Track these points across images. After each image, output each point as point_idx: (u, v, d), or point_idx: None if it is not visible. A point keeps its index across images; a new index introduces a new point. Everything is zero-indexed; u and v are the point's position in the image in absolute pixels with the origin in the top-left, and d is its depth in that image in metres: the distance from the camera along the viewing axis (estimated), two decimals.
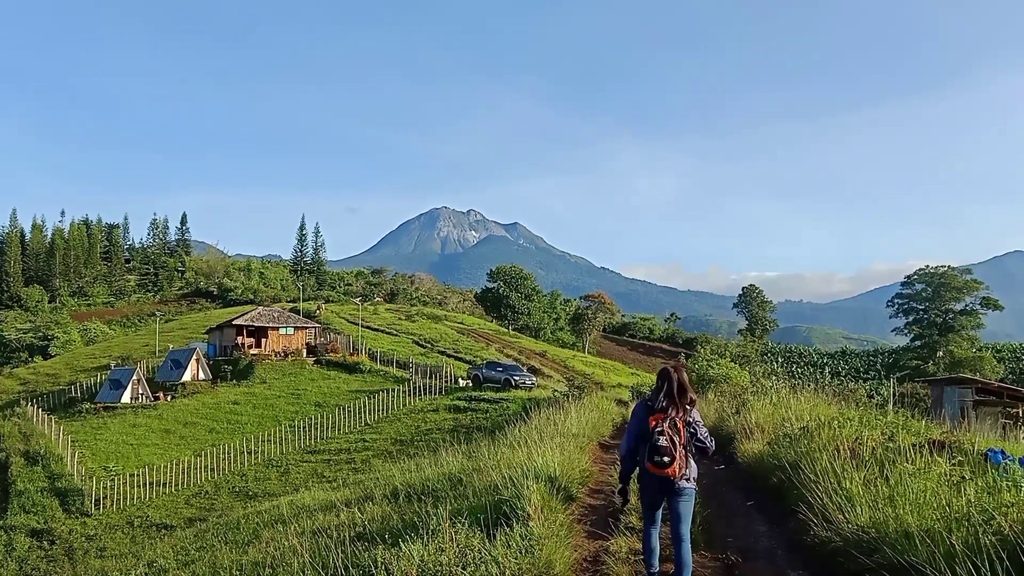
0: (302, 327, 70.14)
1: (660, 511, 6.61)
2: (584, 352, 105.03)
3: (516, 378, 49.37)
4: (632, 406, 27.64)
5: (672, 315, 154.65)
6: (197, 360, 60.33)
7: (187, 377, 58.49)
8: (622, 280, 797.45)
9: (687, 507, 6.42)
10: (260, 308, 75.33)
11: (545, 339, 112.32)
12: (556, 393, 38.56)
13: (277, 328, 67.66)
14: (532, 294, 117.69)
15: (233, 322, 68.31)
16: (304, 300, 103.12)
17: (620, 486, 6.90)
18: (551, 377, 62.87)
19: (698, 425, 6.49)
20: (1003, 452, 10.24)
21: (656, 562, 6.57)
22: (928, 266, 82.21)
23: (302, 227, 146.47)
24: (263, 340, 66.77)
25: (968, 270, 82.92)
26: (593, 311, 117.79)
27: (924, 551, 5.54)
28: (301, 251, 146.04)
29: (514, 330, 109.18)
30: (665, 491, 6.40)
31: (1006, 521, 5.58)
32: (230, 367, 61.26)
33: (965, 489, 6.53)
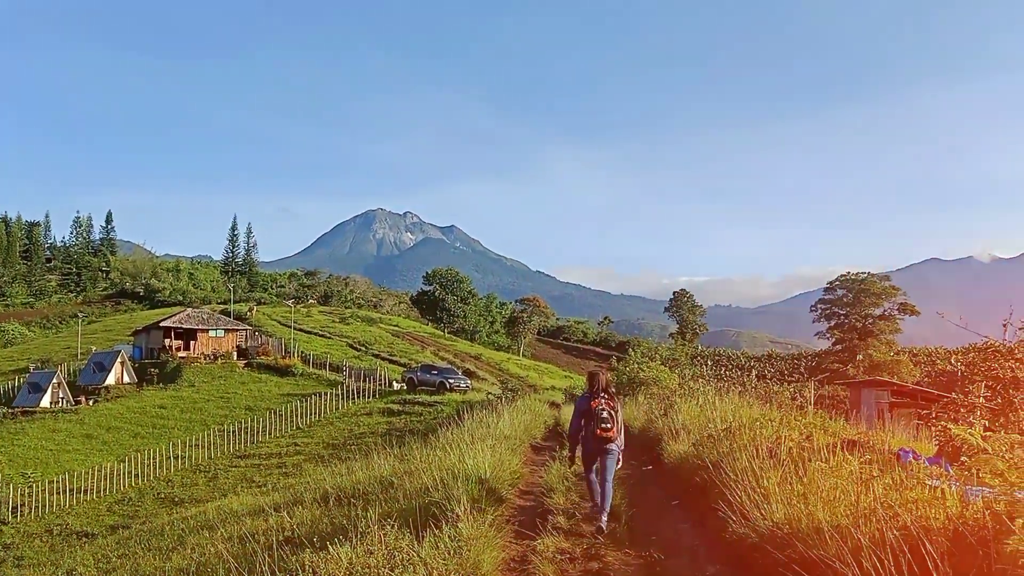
0: (233, 329, 68.73)
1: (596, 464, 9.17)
2: (519, 355, 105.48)
3: (451, 381, 49.33)
4: (564, 408, 27.85)
5: (605, 318, 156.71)
6: (122, 363, 58.60)
7: (111, 380, 56.75)
8: (557, 284, 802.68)
9: (612, 462, 9.08)
10: (189, 310, 73.57)
11: (481, 342, 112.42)
12: (490, 396, 38.65)
13: (207, 330, 66.17)
14: (468, 297, 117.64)
15: (160, 324, 66.56)
16: (235, 302, 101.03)
17: (570, 454, 9.82)
18: (486, 380, 63.00)
19: (618, 410, 9.22)
20: (913, 451, 10.76)
21: (596, 494, 8.96)
22: (849, 272, 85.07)
23: (234, 227, 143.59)
24: (192, 342, 65.22)
25: (887, 277, 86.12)
26: (528, 314, 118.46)
27: (833, 546, 5.80)
28: (232, 252, 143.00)
29: (450, 333, 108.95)
30: (600, 451, 9.01)
31: (910, 516, 5.88)
32: (157, 370, 59.68)
33: (874, 486, 6.85)
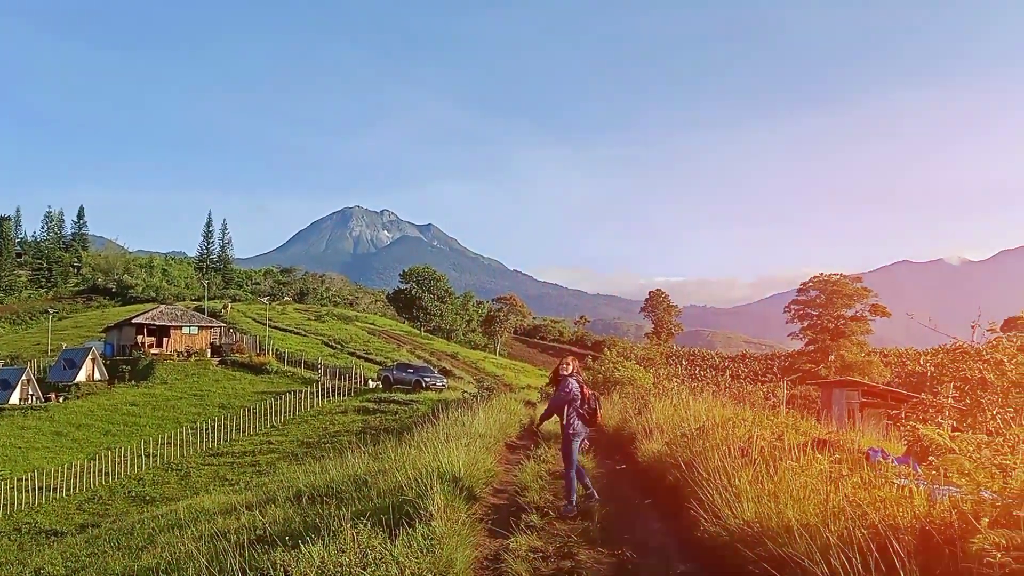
0: (207, 326, 68.11)
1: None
2: (495, 354, 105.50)
3: (427, 380, 49.24)
4: (540, 407, 27.94)
5: (582, 318, 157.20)
6: (93, 360, 57.87)
7: (81, 377, 56.03)
8: (534, 283, 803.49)
9: (585, 440, 10.34)
10: (162, 306, 72.82)
11: (457, 341, 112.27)
12: (466, 395, 38.66)
13: (180, 327, 65.52)
14: (445, 296, 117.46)
15: (133, 320, 65.82)
16: (210, 299, 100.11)
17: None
18: (462, 379, 62.93)
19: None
20: (883, 451, 10.89)
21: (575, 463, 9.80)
22: (822, 274, 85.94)
23: (208, 224, 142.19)
24: (165, 339, 64.56)
25: (859, 278, 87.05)
26: (505, 313, 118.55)
27: (803, 544, 5.85)
28: (207, 248, 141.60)
29: (426, 331, 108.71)
30: (584, 433, 10.06)
31: (878, 515, 5.95)
32: (128, 367, 59.02)
33: (843, 485, 6.93)
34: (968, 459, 7.55)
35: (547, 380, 69.58)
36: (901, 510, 6.12)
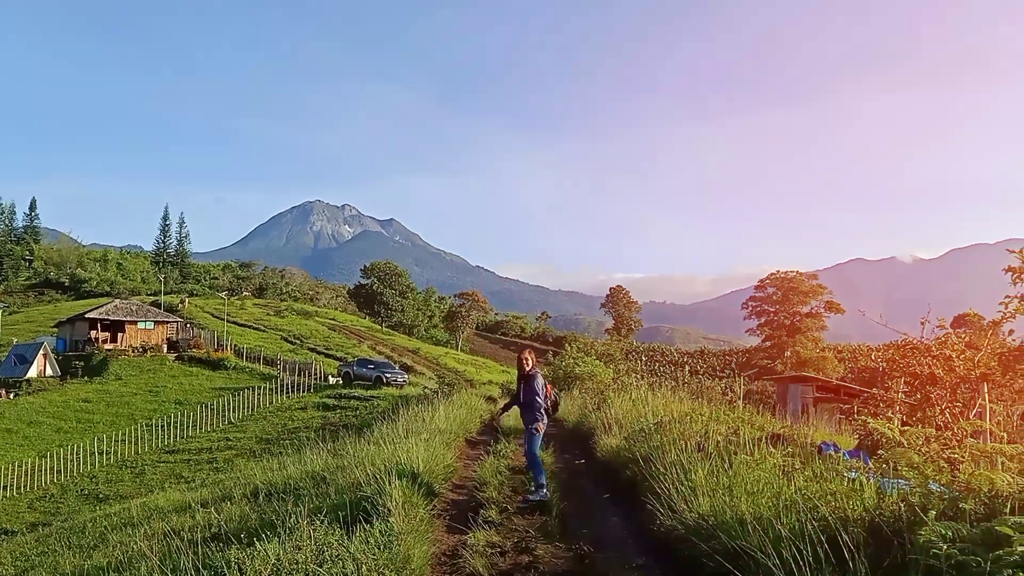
0: (163, 321, 66.97)
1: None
2: (457, 350, 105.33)
3: (388, 375, 49.01)
4: (501, 402, 27.94)
5: (543, 314, 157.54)
6: (44, 355, 56.54)
7: (32, 373, 54.72)
8: (497, 279, 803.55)
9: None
10: (117, 301, 71.37)
11: (419, 336, 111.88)
12: (427, 391, 38.55)
13: (135, 322, 64.32)
14: (407, 291, 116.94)
15: (86, 315, 64.45)
16: (166, 293, 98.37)
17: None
18: (423, 374, 62.73)
19: None
20: (835, 445, 11.10)
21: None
22: (779, 271, 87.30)
23: (165, 217, 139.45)
24: (120, 335, 63.32)
25: (814, 275, 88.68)
26: (467, 309, 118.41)
27: (756, 537, 5.94)
28: (164, 242, 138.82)
29: (387, 327, 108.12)
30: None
31: (827, 507, 6.06)
32: (82, 363, 57.78)
33: (795, 478, 7.05)
34: (917, 453, 7.71)
35: (509, 376, 69.65)
36: (851, 503, 6.24)
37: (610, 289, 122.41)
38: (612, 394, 16.75)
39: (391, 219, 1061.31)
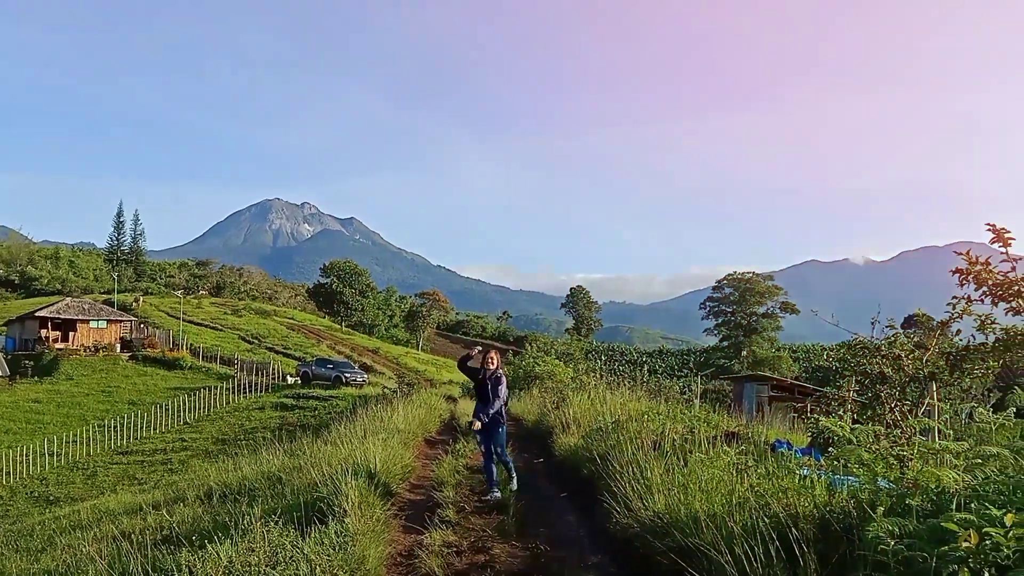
0: (116, 320, 65.65)
1: None
2: (418, 349, 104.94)
3: (347, 375, 48.68)
4: (461, 402, 27.85)
5: (504, 313, 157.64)
6: None
7: None
8: (458, 279, 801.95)
9: None
10: (68, 299, 69.72)
11: (379, 336, 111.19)
12: (386, 390, 38.34)
13: (87, 321, 62.94)
14: (367, 290, 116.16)
15: (36, 314, 62.95)
16: (120, 292, 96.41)
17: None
18: (383, 374, 62.40)
19: None
20: (788, 443, 11.26)
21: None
22: (736, 272, 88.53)
23: (119, 214, 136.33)
24: (71, 334, 61.92)
25: (770, 276, 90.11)
26: (428, 309, 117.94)
27: (709, 534, 6.00)
28: (118, 239, 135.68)
29: (347, 326, 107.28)
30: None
31: (779, 504, 6.14)
32: (31, 362, 56.39)
33: (748, 476, 7.13)
34: (867, 450, 7.85)
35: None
36: (802, 500, 6.33)
37: (571, 289, 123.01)
38: (571, 393, 16.80)
39: (351, 218, 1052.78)
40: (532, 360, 33.59)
